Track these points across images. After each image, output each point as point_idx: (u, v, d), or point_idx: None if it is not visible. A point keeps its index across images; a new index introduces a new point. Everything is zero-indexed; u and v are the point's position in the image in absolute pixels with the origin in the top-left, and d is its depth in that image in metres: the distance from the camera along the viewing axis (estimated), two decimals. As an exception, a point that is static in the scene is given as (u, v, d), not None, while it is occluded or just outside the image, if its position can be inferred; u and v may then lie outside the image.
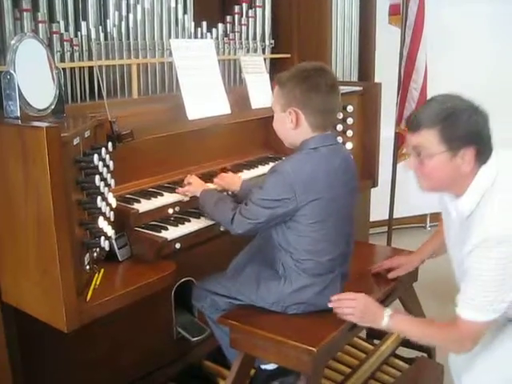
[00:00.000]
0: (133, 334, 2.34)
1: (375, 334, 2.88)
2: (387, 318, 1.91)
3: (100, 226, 1.85)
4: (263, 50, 3.19)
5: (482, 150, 1.70)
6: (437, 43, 3.95)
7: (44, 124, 1.60)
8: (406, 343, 2.77)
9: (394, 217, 3.86)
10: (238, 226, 2.00)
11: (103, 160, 1.86)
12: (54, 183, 1.56)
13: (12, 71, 1.70)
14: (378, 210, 3.82)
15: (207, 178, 2.43)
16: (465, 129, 1.67)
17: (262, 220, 1.97)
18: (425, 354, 2.73)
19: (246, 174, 2.60)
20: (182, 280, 2.43)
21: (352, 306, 1.96)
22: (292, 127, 2.02)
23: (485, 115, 1.70)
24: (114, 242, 1.98)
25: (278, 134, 2.13)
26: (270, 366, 2.30)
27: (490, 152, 1.72)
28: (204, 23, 2.83)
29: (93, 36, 2.36)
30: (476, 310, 1.71)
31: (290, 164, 1.98)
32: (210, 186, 2.35)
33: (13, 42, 1.76)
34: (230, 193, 2.38)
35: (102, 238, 1.84)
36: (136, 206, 2.13)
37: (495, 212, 1.67)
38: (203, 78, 2.49)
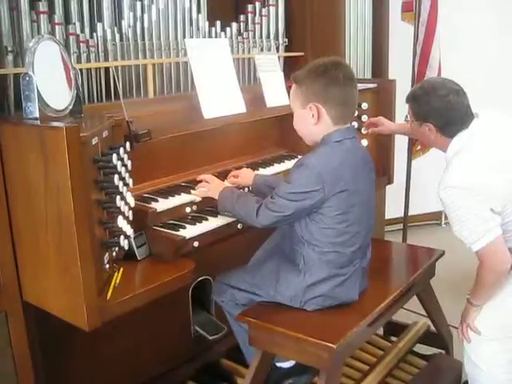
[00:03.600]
0: (150, 332, 2.36)
1: (393, 331, 2.88)
2: None
3: (119, 226, 1.85)
4: (277, 49, 3.20)
5: (442, 125, 2.15)
6: (449, 40, 3.93)
7: (63, 124, 1.61)
8: (424, 340, 2.77)
9: (409, 214, 3.85)
10: (264, 219, 2.01)
11: (121, 159, 1.86)
12: (74, 183, 1.57)
13: (31, 73, 1.71)
14: (393, 208, 3.81)
15: (223, 176, 2.43)
16: (422, 109, 2.18)
17: (288, 213, 1.98)
18: (442, 351, 2.73)
19: (262, 172, 2.59)
20: (200, 279, 2.44)
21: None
22: (313, 122, 2.02)
23: (456, 99, 2.12)
24: (132, 241, 1.99)
25: (300, 132, 2.14)
26: (286, 365, 2.30)
27: (457, 126, 2.14)
28: (218, 23, 2.85)
29: (108, 37, 2.38)
30: (477, 239, 2.03)
31: (316, 157, 1.99)
32: (226, 183, 2.35)
33: (31, 43, 1.76)
34: (246, 189, 2.39)
35: (122, 237, 1.85)
36: (154, 205, 2.14)
37: (451, 169, 2.09)
38: (218, 77, 2.50)
